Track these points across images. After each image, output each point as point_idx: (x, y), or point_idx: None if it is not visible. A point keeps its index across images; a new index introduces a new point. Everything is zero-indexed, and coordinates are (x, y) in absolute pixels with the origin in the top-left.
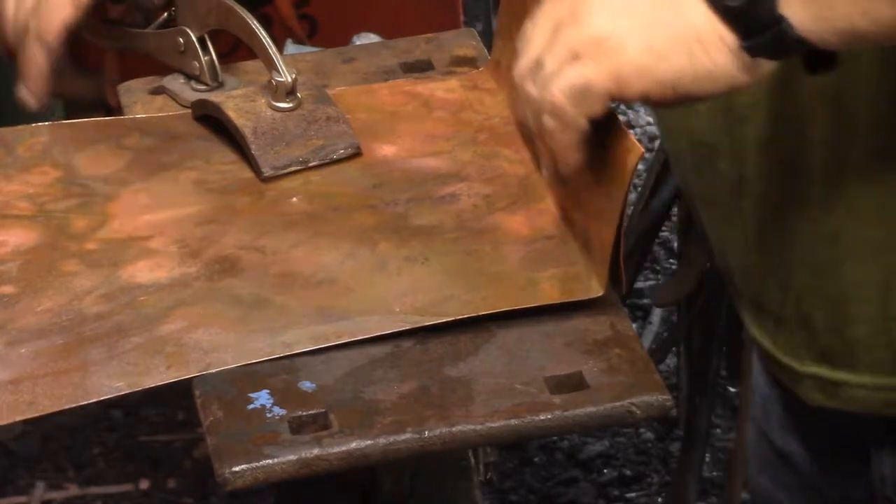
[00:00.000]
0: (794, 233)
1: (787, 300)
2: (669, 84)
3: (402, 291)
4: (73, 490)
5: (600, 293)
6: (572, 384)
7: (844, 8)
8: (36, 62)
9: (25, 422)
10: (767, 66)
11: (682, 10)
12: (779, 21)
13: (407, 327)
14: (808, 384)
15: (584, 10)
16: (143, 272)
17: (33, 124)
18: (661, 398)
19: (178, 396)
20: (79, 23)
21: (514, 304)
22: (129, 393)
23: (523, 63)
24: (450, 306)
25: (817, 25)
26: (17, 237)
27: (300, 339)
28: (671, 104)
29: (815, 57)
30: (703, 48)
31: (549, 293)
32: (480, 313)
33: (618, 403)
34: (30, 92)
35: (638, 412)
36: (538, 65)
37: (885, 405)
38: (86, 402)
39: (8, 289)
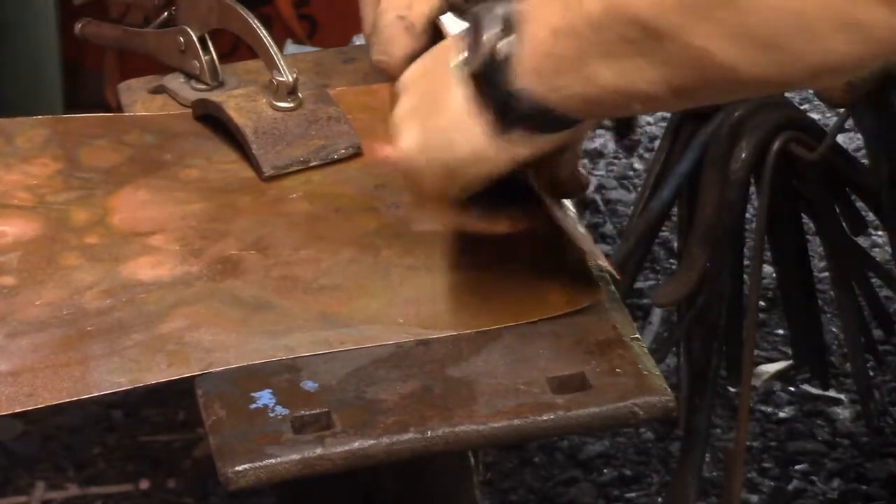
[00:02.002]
0: None
1: None
2: (441, 172)
3: (405, 301)
4: (73, 490)
5: (601, 297)
6: (575, 385)
7: (573, 75)
8: (397, 42)
9: (26, 421)
10: (532, 140)
11: (449, 95)
12: (514, 94)
13: (408, 339)
14: None
15: (406, 83)
16: (144, 269)
17: (34, 117)
18: (663, 399)
19: (178, 396)
20: (441, 13)
21: (518, 319)
22: (130, 393)
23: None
24: (453, 319)
25: (555, 95)
26: (17, 228)
27: (302, 344)
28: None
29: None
30: (461, 133)
31: (556, 304)
32: (483, 328)
33: (620, 404)
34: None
35: (640, 413)
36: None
37: None
38: (86, 396)
39: (8, 280)
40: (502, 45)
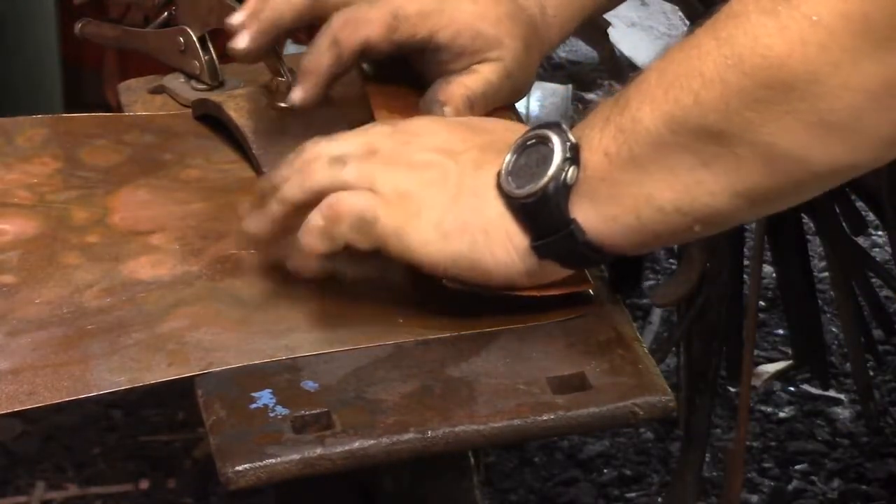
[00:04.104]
0: None
1: None
2: (441, 266)
3: (405, 302)
4: (73, 490)
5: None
6: (575, 385)
7: (630, 200)
8: (320, 63)
9: (25, 421)
10: (553, 272)
11: (482, 201)
12: (568, 223)
13: (409, 340)
14: None
15: (403, 156)
16: (144, 268)
17: (33, 116)
18: (663, 399)
19: (178, 396)
20: (379, 46)
21: (517, 322)
22: (129, 393)
23: (331, 147)
24: (453, 320)
25: (606, 226)
26: (17, 226)
27: (302, 344)
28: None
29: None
30: (486, 242)
31: (557, 310)
32: (485, 330)
33: (620, 404)
34: (300, 88)
35: (641, 413)
36: (340, 162)
37: None
38: (87, 395)
39: (8, 278)
40: (570, 174)
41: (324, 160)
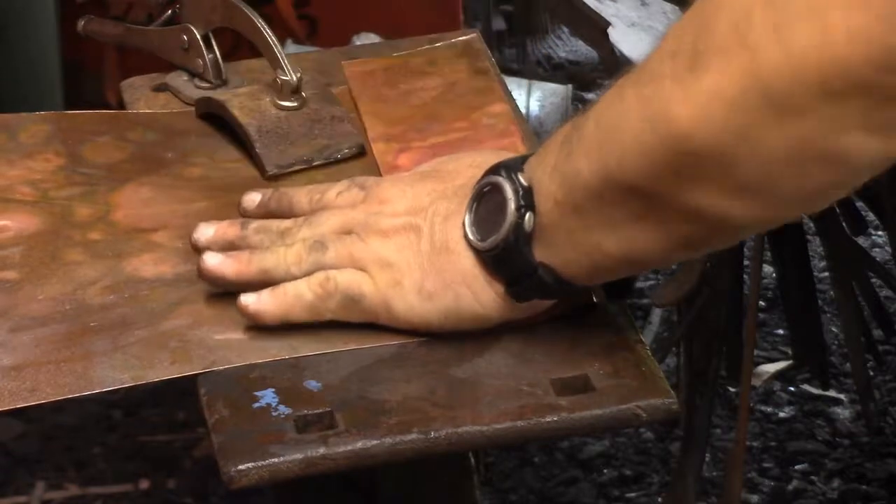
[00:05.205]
0: None
1: None
2: (436, 323)
3: None
4: (73, 490)
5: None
6: (578, 386)
7: (582, 247)
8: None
9: (25, 421)
10: (542, 304)
11: (454, 255)
12: (536, 268)
13: (414, 340)
14: None
15: (375, 227)
16: (147, 266)
17: (36, 112)
18: (666, 401)
19: (178, 396)
20: None
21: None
22: (130, 392)
23: (311, 232)
24: None
25: (568, 268)
26: (19, 222)
27: (306, 342)
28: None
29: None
30: (470, 292)
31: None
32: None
33: (623, 406)
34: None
35: (644, 415)
36: (319, 244)
37: None
38: (89, 392)
39: (11, 274)
40: (527, 221)
41: (307, 244)
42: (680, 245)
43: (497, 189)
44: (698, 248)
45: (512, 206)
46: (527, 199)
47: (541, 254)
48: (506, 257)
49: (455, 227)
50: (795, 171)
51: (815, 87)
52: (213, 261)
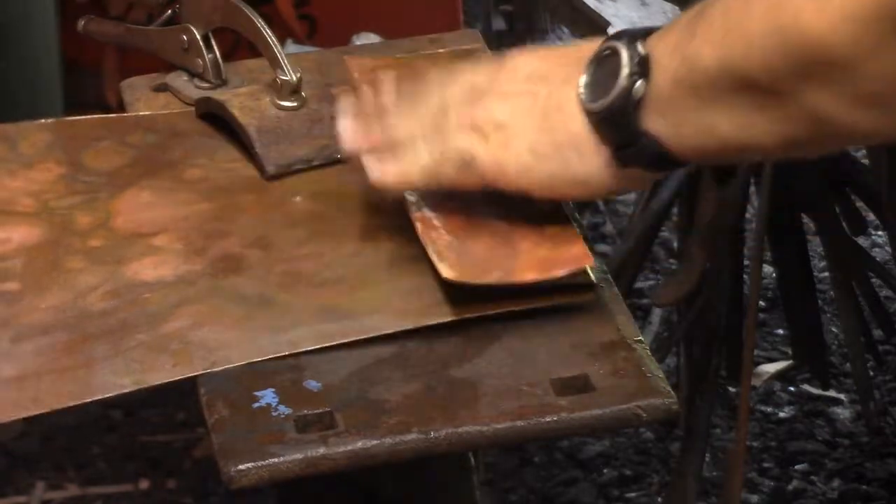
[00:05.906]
0: None
1: None
2: (546, 185)
3: (406, 291)
4: (73, 490)
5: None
6: (578, 386)
7: (693, 126)
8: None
9: (26, 420)
10: (641, 178)
11: (565, 117)
12: (641, 135)
13: (410, 326)
14: None
15: (497, 89)
16: (147, 269)
17: (36, 121)
18: (666, 402)
19: (178, 396)
20: None
21: (519, 305)
22: (131, 392)
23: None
24: (454, 306)
25: (675, 142)
26: (21, 234)
27: (306, 338)
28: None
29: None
30: (578, 156)
31: (560, 294)
32: (487, 313)
33: (623, 406)
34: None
35: (644, 415)
36: (442, 111)
37: None
38: (91, 400)
39: (12, 285)
40: (637, 89)
41: (431, 110)
42: (793, 142)
43: (615, 53)
44: (811, 148)
45: (626, 71)
46: (641, 67)
47: (651, 124)
48: (614, 121)
49: (572, 89)
50: None
51: None
52: (346, 128)
